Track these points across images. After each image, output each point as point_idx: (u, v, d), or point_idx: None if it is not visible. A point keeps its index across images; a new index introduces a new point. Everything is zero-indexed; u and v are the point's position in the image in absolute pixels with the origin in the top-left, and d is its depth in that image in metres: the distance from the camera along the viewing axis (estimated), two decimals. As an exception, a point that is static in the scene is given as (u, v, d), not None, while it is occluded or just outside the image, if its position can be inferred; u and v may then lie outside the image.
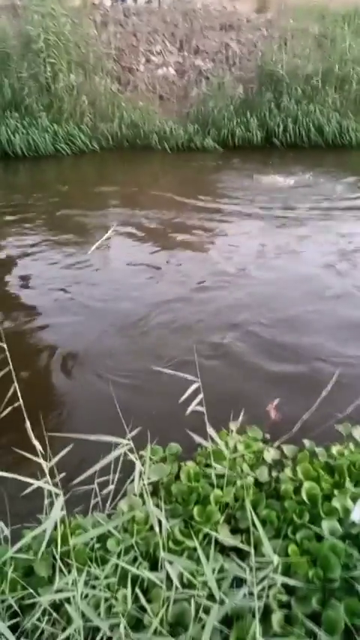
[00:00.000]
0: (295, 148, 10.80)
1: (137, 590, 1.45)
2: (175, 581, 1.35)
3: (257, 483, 2.07)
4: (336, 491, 1.91)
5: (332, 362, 3.81)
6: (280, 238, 6.45)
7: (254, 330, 4.29)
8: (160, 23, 12.68)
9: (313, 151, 10.74)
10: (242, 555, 1.70)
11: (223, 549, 1.78)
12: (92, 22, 11.85)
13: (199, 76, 11.96)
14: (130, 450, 1.77)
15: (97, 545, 1.64)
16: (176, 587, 1.42)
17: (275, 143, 10.90)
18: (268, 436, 2.43)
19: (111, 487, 1.91)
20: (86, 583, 1.45)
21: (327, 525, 1.76)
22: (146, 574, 1.36)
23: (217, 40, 12.63)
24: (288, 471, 2.05)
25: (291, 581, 1.42)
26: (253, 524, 1.68)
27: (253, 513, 1.82)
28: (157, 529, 1.45)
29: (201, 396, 1.95)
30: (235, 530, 1.87)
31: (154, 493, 2.06)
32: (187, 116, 11.19)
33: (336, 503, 1.85)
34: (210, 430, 1.94)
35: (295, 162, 9.91)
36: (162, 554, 1.45)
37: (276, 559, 1.30)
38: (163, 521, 1.46)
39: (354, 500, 1.88)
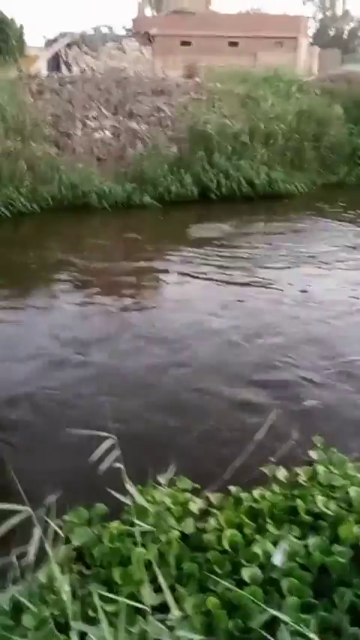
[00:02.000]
0: (229, 200, 11.32)
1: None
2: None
3: (184, 536, 2.06)
4: (257, 536, 1.94)
5: None
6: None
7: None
8: (94, 90, 13.29)
9: (244, 202, 11.33)
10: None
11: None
12: (28, 91, 12.31)
13: (134, 138, 12.49)
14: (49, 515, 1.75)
15: (11, 623, 1.58)
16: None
17: (210, 197, 11.40)
18: (198, 486, 2.45)
19: (32, 557, 1.85)
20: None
21: (247, 573, 1.77)
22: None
23: (149, 104, 13.32)
24: (212, 521, 2.06)
25: (196, 637, 1.41)
26: (176, 582, 1.67)
27: (175, 569, 1.82)
28: (65, 597, 1.42)
29: (118, 452, 1.95)
30: (160, 588, 1.84)
31: (79, 558, 2.02)
32: (125, 175, 11.58)
33: (257, 548, 1.87)
34: (129, 487, 1.94)
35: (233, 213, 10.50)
36: (73, 624, 1.42)
37: (176, 614, 1.30)
38: (67, 588, 1.43)
39: (275, 543, 1.90)
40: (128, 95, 13.46)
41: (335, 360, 4.80)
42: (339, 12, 49.70)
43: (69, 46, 21.03)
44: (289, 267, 7.59)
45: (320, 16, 50.18)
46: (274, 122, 12.41)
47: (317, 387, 4.38)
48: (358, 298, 6.39)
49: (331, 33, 48.67)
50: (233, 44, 23.32)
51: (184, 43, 22.96)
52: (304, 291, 6.61)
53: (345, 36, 48.62)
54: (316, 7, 50.31)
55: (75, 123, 12.59)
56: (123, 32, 23.26)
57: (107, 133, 12.79)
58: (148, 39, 22.21)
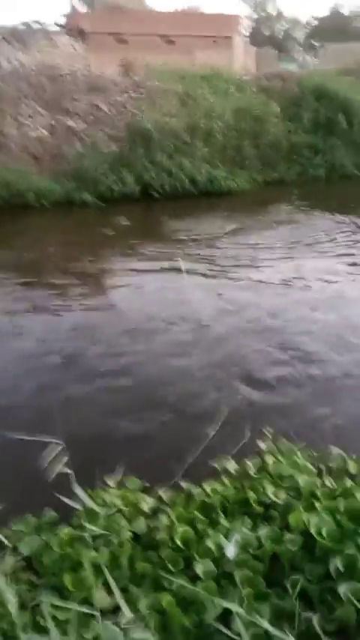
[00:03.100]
0: (172, 198, 11.34)
1: None
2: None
3: (136, 536, 2.04)
4: (210, 531, 1.94)
5: None
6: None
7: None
8: (26, 87, 12.91)
9: (187, 199, 11.38)
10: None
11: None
12: None
13: (71, 136, 12.25)
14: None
15: None
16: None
17: (153, 195, 11.37)
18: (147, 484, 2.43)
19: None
20: None
21: (200, 568, 1.77)
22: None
23: (86, 102, 13.09)
24: (164, 518, 2.05)
25: (150, 637, 1.39)
26: (130, 582, 1.64)
27: (128, 570, 1.80)
28: (12, 609, 1.36)
29: (66, 458, 1.91)
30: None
31: (30, 567, 1.95)
32: (64, 174, 11.35)
33: (210, 542, 1.87)
34: (78, 490, 1.89)
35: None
36: (22, 635, 1.37)
37: (128, 615, 1.28)
38: (12, 599, 1.37)
39: (227, 536, 1.91)
40: (64, 92, 13.17)
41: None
42: (273, 12, 50.87)
43: (-2, 40, 20.30)
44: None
45: (255, 16, 51.18)
46: (213, 120, 12.53)
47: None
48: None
49: (267, 33, 49.72)
50: (170, 42, 23.32)
51: (120, 40, 22.71)
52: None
53: (280, 36, 49.82)
54: (249, 7, 51.31)
55: (7, 120, 12.19)
56: (55, 28, 22.70)
57: (43, 131, 12.47)
58: (81, 35, 21.79)
